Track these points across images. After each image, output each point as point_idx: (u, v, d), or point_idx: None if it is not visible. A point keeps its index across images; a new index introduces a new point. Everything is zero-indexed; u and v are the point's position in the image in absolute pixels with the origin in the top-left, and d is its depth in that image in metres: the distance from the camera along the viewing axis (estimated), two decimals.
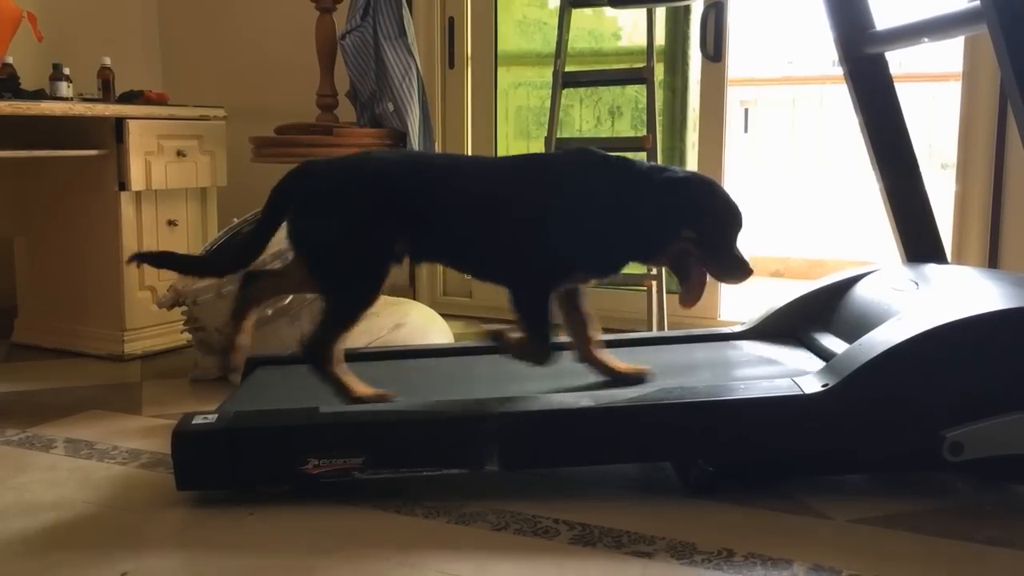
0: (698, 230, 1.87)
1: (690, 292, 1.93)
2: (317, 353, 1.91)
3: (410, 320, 2.76)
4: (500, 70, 3.65)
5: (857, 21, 2.39)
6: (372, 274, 1.91)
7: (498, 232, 1.92)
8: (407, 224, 1.91)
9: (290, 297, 2.56)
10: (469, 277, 2.20)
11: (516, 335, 1.95)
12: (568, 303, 2.02)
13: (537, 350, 1.93)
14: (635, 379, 2.00)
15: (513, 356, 1.96)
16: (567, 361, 2.27)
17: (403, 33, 3.15)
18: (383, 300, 2.76)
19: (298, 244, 1.94)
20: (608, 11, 3.41)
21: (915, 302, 1.97)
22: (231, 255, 2.08)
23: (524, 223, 1.90)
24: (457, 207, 1.93)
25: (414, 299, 3.37)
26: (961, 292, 1.98)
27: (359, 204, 1.90)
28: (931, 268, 2.26)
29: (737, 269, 1.90)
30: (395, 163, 1.99)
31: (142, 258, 2.03)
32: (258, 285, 2.04)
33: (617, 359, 2.05)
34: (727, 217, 1.90)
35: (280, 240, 2.05)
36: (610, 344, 2.36)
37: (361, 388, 1.93)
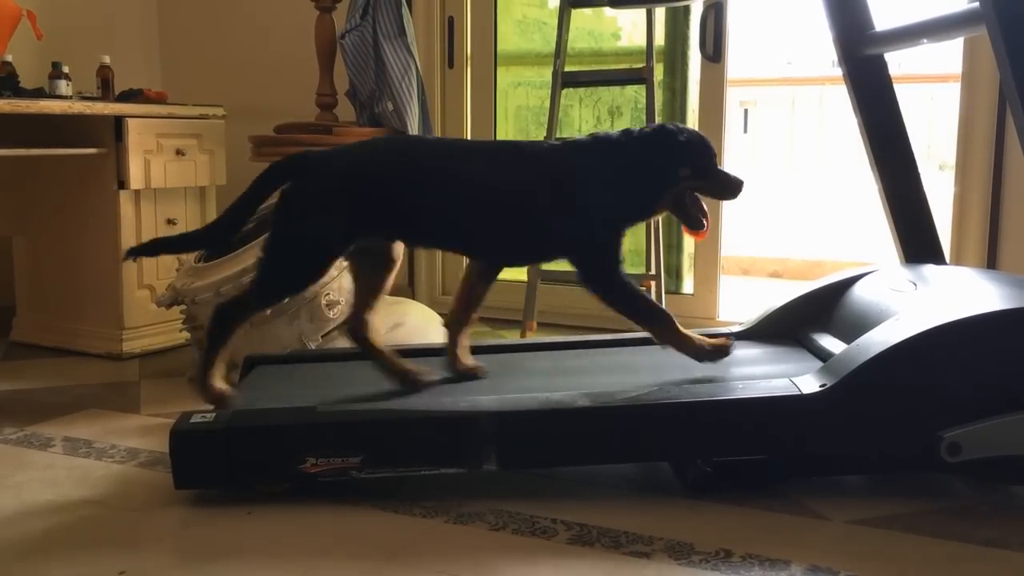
0: (691, 165, 2.01)
1: (700, 219, 2.04)
2: (219, 319, 1.94)
3: (409, 319, 2.76)
4: (500, 70, 3.65)
5: (857, 22, 2.39)
6: (304, 275, 1.96)
7: (526, 218, 1.98)
8: (396, 215, 1.92)
9: None
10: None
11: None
12: None
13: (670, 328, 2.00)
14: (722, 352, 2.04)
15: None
16: (566, 360, 2.28)
17: (403, 32, 3.16)
18: (382, 299, 2.76)
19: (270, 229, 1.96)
20: (608, 11, 3.42)
21: (913, 303, 1.97)
22: (215, 229, 2.06)
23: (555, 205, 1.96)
24: (458, 193, 1.96)
25: (413, 299, 3.37)
26: (959, 293, 1.98)
27: (324, 208, 1.90)
28: (929, 269, 2.26)
29: (733, 184, 2.04)
30: (388, 155, 2.00)
31: (136, 252, 2.03)
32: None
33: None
34: (705, 146, 2.04)
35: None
36: (609, 344, 2.37)
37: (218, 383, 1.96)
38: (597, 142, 2.02)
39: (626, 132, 2.02)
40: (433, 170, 1.96)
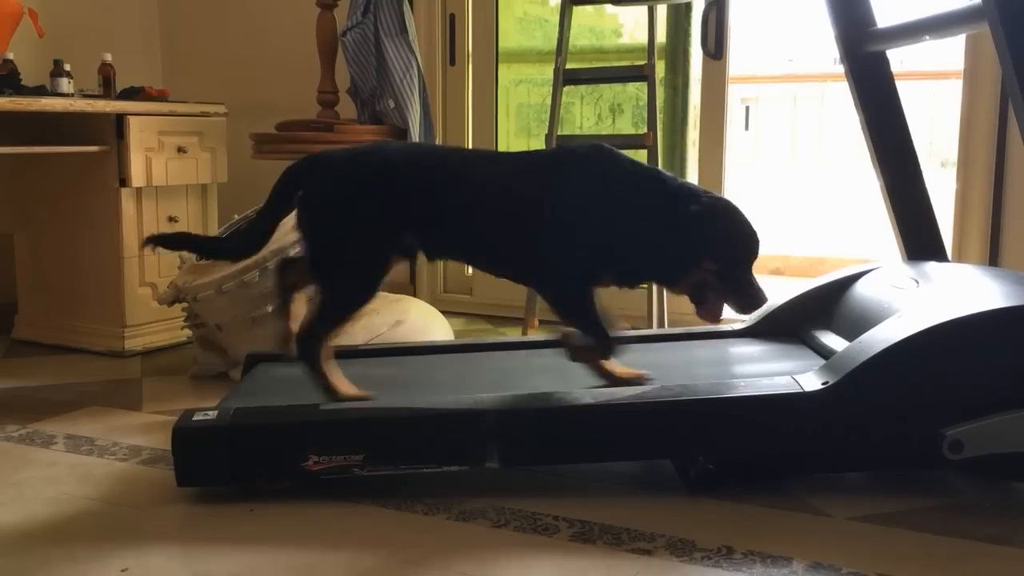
0: (718, 262, 1.89)
1: (709, 314, 1.95)
2: (306, 347, 1.90)
3: (410, 317, 2.76)
4: (501, 67, 3.65)
5: (858, 19, 2.39)
6: (370, 274, 1.91)
7: (524, 232, 1.91)
8: (418, 221, 1.90)
9: None
10: (470, 271, 2.21)
11: (579, 338, 1.96)
12: None
13: (603, 347, 1.94)
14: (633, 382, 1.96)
15: (577, 358, 1.97)
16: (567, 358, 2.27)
17: (404, 30, 3.16)
18: (383, 297, 2.76)
19: (304, 236, 1.93)
20: (609, 8, 3.41)
21: (915, 300, 1.97)
22: (242, 240, 2.06)
23: (557, 226, 1.89)
24: (474, 205, 1.92)
25: (414, 296, 3.37)
26: (961, 290, 1.98)
27: (364, 199, 1.89)
28: (931, 266, 2.26)
29: (753, 299, 1.92)
30: (408, 157, 1.98)
31: (157, 240, 2.01)
32: (294, 271, 2.03)
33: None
34: (747, 248, 1.92)
35: (282, 236, 2.04)
36: None
37: (345, 387, 1.92)
38: (641, 183, 1.91)
39: (678, 190, 1.90)
40: (461, 185, 1.93)
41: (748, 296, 1.92)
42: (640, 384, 1.92)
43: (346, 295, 1.92)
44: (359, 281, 1.91)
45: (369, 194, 1.89)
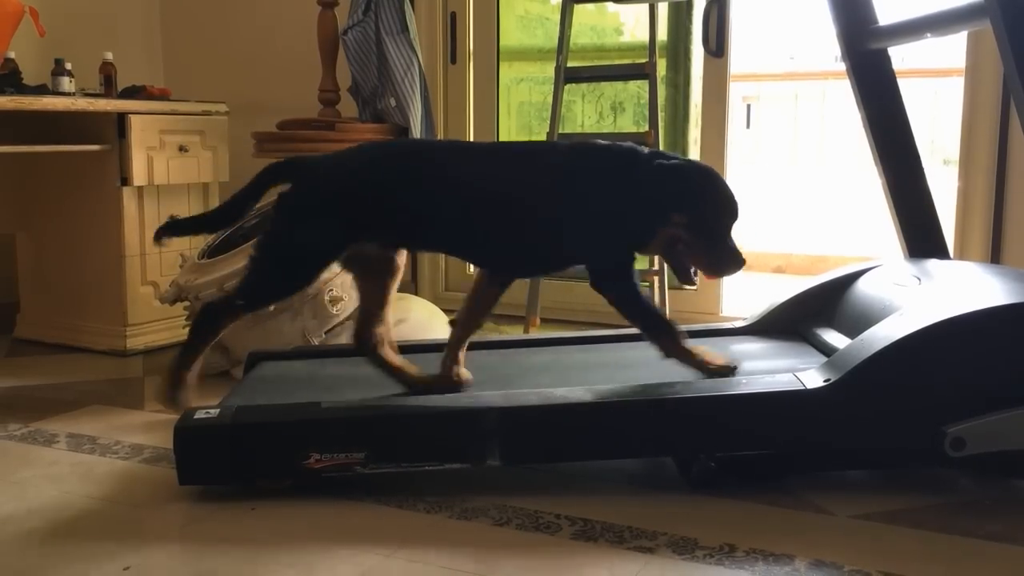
0: (689, 216, 1.84)
1: (688, 273, 1.91)
2: (210, 315, 1.92)
3: (412, 315, 2.76)
4: (502, 65, 3.65)
5: (860, 16, 2.39)
6: (293, 280, 1.93)
7: (514, 224, 1.90)
8: (395, 222, 1.89)
9: None
10: (472, 269, 2.20)
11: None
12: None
13: (677, 348, 1.92)
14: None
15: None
16: (569, 356, 2.28)
17: (405, 28, 3.16)
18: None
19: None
20: (610, 6, 3.41)
21: (917, 298, 1.97)
22: (219, 215, 2.02)
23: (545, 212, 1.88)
24: (456, 199, 1.89)
25: (416, 294, 3.37)
26: (963, 288, 1.98)
27: (317, 213, 1.87)
28: (933, 264, 2.25)
29: (728, 261, 1.88)
30: (391, 158, 1.96)
31: (167, 230, 1.99)
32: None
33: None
34: (720, 205, 1.87)
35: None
36: (612, 339, 2.37)
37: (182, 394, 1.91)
38: (609, 155, 1.89)
39: (647, 154, 1.88)
40: (436, 175, 1.90)
41: (720, 255, 1.86)
42: (729, 373, 1.90)
43: (266, 290, 1.93)
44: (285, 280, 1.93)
45: (331, 205, 1.88)
